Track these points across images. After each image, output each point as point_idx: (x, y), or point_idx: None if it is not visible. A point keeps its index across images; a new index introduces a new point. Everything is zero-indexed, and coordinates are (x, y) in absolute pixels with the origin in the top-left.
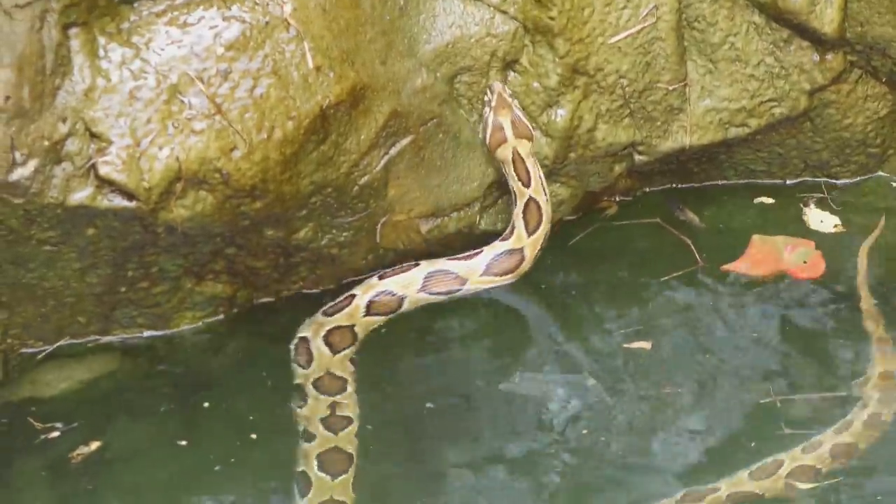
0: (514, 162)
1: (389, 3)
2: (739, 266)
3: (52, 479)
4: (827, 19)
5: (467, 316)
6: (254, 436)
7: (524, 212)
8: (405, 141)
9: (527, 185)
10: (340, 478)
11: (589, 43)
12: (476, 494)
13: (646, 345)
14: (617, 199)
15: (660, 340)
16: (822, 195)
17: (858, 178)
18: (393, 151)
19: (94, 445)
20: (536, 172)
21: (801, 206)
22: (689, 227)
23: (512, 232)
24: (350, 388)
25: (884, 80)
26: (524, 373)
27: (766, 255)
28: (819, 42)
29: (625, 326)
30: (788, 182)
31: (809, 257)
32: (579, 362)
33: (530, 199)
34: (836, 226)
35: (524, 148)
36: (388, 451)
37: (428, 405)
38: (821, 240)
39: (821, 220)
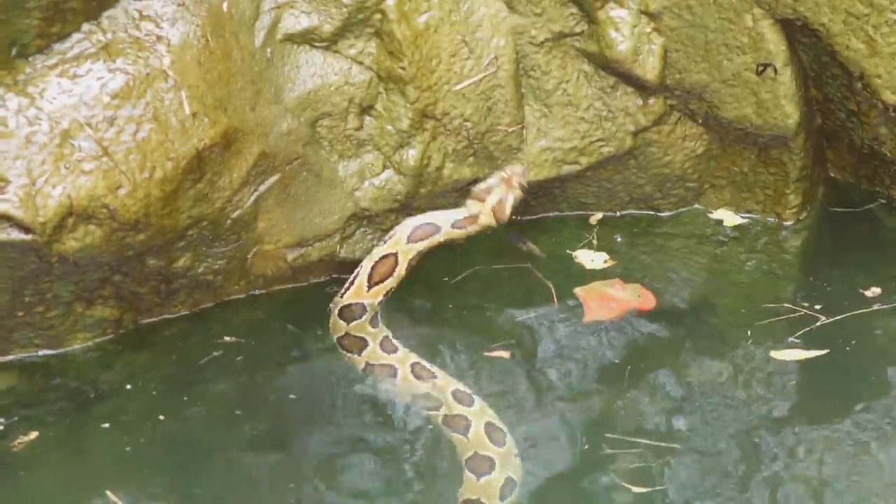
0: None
1: (257, 55)
2: (593, 316)
3: None
4: (649, 67)
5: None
6: (142, 440)
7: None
8: (273, 179)
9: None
10: None
11: (436, 90)
12: (336, 478)
13: (505, 353)
14: None
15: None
16: (588, 237)
17: (679, 210)
18: (262, 188)
19: None
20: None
21: (569, 251)
22: (530, 257)
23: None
24: None
25: (700, 121)
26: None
27: (603, 299)
28: (642, 88)
29: (484, 342)
30: (618, 213)
31: (638, 291)
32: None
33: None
34: (605, 261)
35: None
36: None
37: (291, 396)
38: (598, 276)
39: (591, 259)
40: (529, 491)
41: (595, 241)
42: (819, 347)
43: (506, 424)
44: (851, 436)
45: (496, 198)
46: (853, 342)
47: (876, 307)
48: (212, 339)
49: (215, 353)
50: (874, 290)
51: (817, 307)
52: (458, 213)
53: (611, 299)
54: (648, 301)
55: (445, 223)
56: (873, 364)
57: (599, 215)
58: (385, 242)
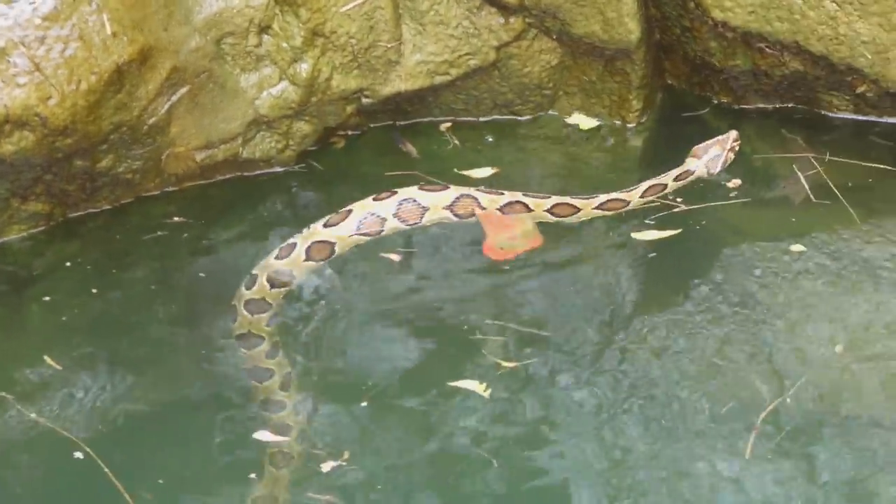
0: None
1: None
2: (492, 254)
3: None
4: None
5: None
6: (76, 311)
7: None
8: (183, 90)
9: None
10: None
11: (325, 11)
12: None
13: (395, 256)
14: (348, 133)
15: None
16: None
17: (537, 115)
18: (174, 98)
19: None
20: None
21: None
22: (407, 156)
23: None
24: None
25: (554, 37)
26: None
27: (502, 231)
28: (504, 8)
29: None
30: (482, 119)
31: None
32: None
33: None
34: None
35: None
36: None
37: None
38: (486, 182)
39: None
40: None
41: (458, 143)
42: (674, 229)
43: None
44: (690, 315)
45: (712, 155)
46: (703, 223)
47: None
48: (131, 229)
49: (142, 238)
50: (735, 182)
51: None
52: (677, 170)
53: (510, 234)
54: (537, 239)
55: (669, 179)
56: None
57: (448, 123)
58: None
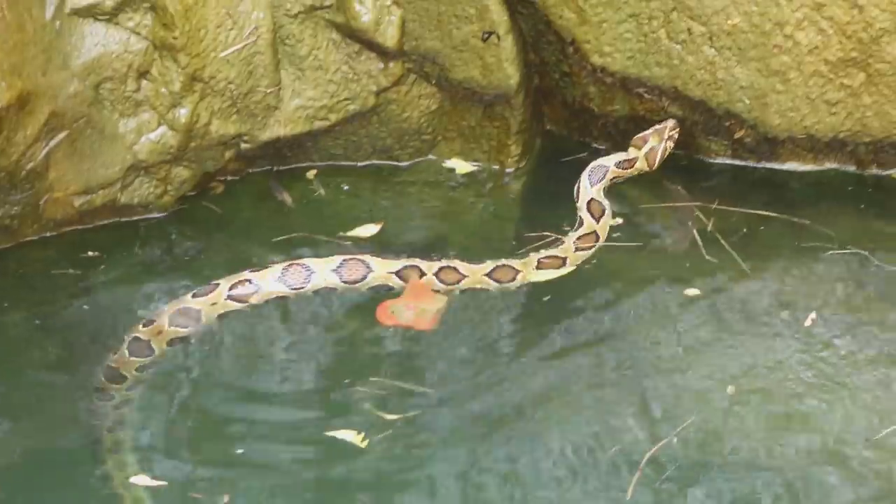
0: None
1: (48, 27)
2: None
3: None
4: (389, 36)
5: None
6: None
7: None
8: (62, 135)
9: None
10: None
11: (204, 56)
12: None
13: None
14: (227, 178)
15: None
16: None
17: (415, 160)
18: (52, 143)
19: None
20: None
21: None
22: (283, 204)
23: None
24: None
25: (433, 82)
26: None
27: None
28: (383, 54)
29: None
30: (361, 164)
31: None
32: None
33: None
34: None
35: (639, 164)
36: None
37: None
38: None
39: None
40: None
41: (323, 192)
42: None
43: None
44: (579, 359)
45: (650, 146)
46: (595, 262)
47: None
48: (9, 275)
49: (20, 283)
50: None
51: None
52: (621, 156)
53: (414, 306)
54: (429, 323)
55: (611, 162)
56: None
57: (315, 171)
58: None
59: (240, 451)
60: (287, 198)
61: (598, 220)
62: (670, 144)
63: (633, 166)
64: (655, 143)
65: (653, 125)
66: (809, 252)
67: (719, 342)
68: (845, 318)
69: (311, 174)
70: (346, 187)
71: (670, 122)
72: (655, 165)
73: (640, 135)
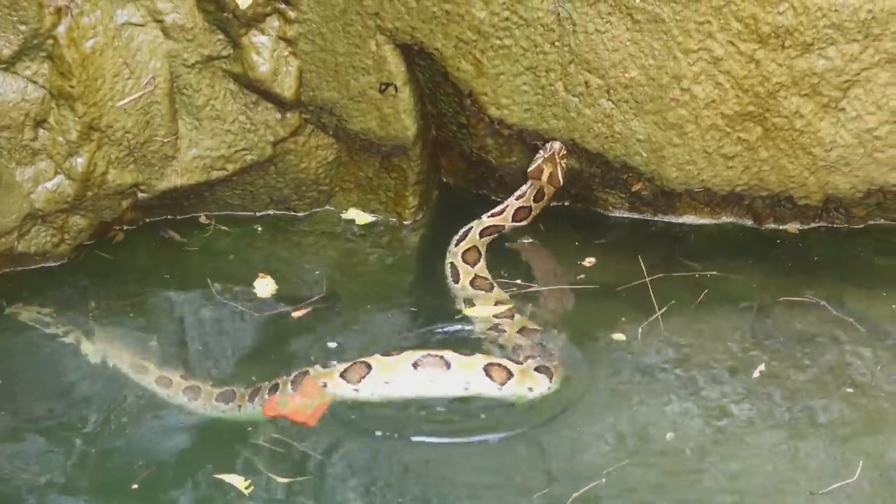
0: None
1: None
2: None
3: None
4: (286, 87)
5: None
6: None
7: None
8: None
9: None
10: None
11: (101, 106)
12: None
13: (152, 340)
14: (124, 227)
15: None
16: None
17: (313, 211)
18: None
19: None
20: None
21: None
22: (176, 244)
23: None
24: None
25: (331, 132)
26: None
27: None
28: (281, 104)
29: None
30: (259, 213)
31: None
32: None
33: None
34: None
35: (548, 190)
36: None
37: None
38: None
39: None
40: None
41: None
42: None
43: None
44: None
45: (548, 172)
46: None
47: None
48: None
49: None
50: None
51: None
52: (522, 191)
53: (297, 400)
54: (311, 419)
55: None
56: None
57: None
58: (463, 240)
59: (134, 486)
60: (174, 234)
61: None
62: (565, 162)
63: (543, 197)
64: (552, 169)
65: (538, 153)
66: (705, 306)
67: (614, 403)
68: (741, 377)
69: (203, 218)
70: (242, 237)
71: (556, 145)
72: (562, 182)
73: (532, 167)
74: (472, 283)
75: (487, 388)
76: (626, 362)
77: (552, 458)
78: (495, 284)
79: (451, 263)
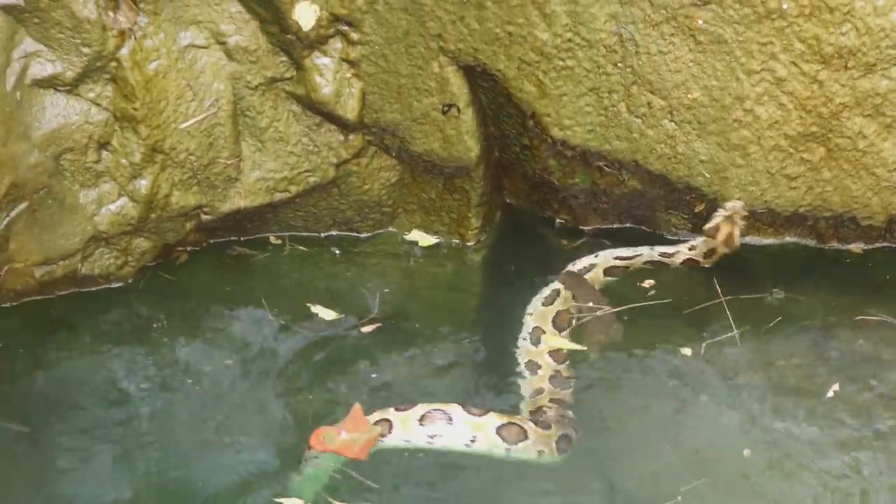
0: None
1: (9, 98)
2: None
3: None
4: (349, 108)
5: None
6: None
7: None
8: (22, 206)
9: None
10: None
11: (165, 128)
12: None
13: (229, 361)
14: (188, 248)
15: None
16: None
17: (376, 232)
18: (13, 214)
19: None
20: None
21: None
22: (240, 265)
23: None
24: None
25: (394, 154)
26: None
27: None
28: (344, 126)
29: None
30: (322, 235)
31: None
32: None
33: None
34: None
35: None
36: None
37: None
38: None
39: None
40: None
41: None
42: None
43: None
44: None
45: (725, 233)
46: None
47: None
48: None
49: None
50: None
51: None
52: (694, 244)
53: (347, 435)
54: (359, 453)
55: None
56: None
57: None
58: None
59: None
60: (245, 250)
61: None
62: (742, 223)
63: (714, 255)
64: (730, 229)
65: (717, 210)
66: (777, 327)
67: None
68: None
69: (273, 238)
70: (307, 258)
71: (738, 205)
72: (738, 245)
73: (710, 225)
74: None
75: (496, 448)
76: (697, 376)
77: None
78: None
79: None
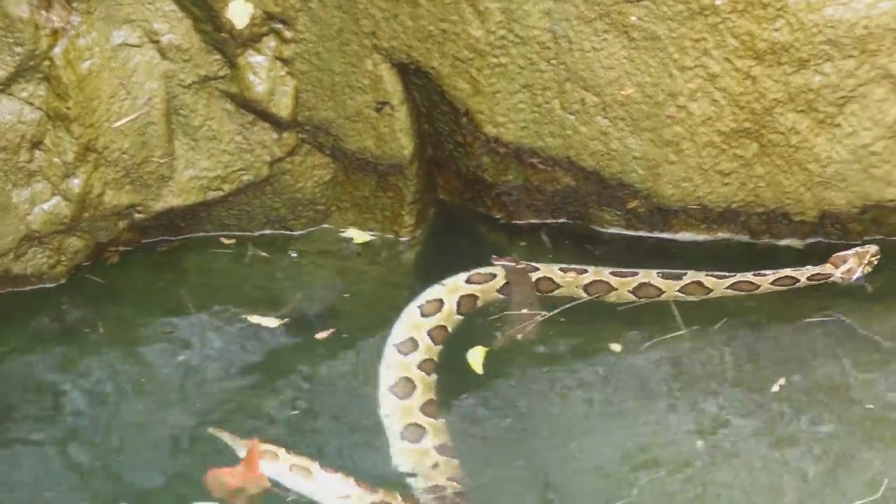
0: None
1: None
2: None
3: None
4: (283, 106)
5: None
6: None
7: None
8: None
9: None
10: None
11: (98, 127)
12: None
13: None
14: (120, 248)
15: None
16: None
17: (309, 230)
18: None
19: None
20: None
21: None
22: (171, 265)
23: None
24: None
25: (327, 152)
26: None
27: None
28: (277, 124)
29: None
30: (256, 233)
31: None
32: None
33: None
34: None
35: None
36: None
37: None
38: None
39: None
40: None
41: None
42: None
43: None
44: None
45: (849, 266)
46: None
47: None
48: None
49: None
50: None
51: None
52: (810, 267)
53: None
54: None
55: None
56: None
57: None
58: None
59: None
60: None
61: None
62: (869, 268)
63: (827, 279)
64: (854, 265)
65: (853, 247)
66: (719, 325)
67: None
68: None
69: (226, 240)
70: (238, 258)
71: (873, 248)
72: (852, 280)
73: (840, 253)
74: None
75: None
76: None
77: None
78: None
79: None
